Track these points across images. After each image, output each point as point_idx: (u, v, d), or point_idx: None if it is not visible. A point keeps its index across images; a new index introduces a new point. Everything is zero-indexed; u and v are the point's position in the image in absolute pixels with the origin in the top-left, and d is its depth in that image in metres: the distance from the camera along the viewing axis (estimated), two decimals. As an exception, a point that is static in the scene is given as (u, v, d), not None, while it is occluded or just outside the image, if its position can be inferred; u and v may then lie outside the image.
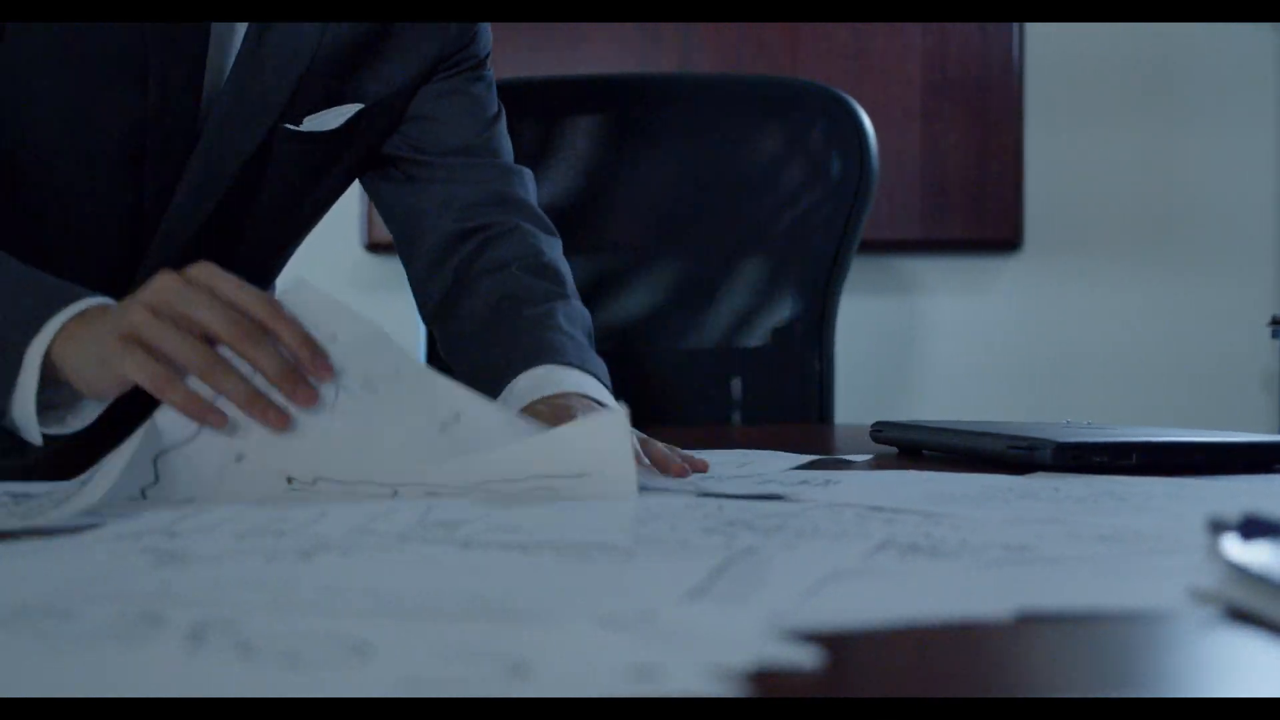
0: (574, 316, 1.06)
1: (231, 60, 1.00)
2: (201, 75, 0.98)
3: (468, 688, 0.29)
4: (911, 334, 2.55)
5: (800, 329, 1.58)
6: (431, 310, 1.15)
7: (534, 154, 1.62)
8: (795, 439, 1.09)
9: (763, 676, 0.30)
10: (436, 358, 1.65)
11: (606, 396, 0.96)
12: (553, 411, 0.88)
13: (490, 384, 0.97)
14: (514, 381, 0.96)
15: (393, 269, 2.57)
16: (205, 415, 0.66)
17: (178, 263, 1.04)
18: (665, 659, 0.31)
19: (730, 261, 1.63)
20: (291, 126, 1.03)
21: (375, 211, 2.12)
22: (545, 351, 0.99)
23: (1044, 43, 2.50)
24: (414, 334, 1.71)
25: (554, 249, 1.13)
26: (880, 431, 1.06)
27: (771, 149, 1.62)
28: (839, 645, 0.33)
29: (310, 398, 0.67)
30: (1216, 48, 2.48)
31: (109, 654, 0.32)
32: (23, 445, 0.77)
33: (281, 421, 0.67)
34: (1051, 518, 0.61)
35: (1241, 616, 0.36)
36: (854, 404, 2.20)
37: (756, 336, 1.62)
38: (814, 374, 1.58)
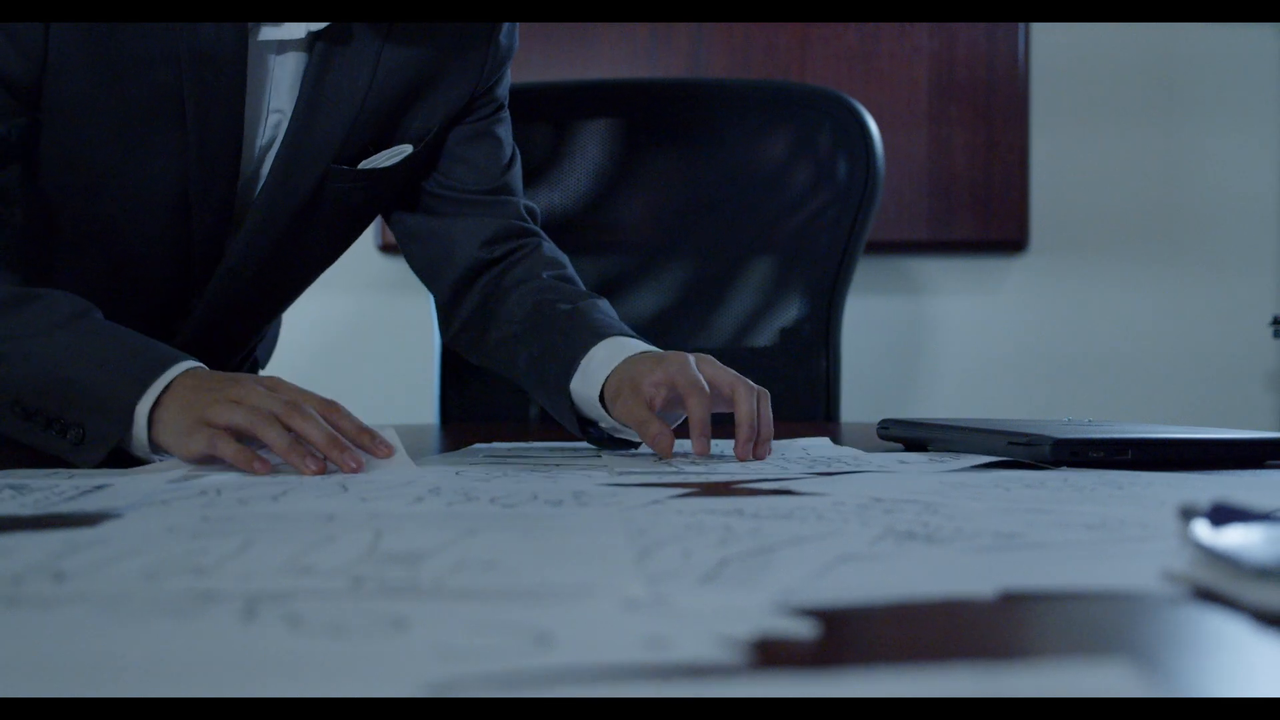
0: (609, 309, 1.15)
1: (268, 99, 1.06)
2: (240, 118, 1.04)
3: (496, 655, 0.32)
4: (919, 333, 2.58)
5: (807, 329, 1.61)
6: (456, 329, 1.22)
7: (546, 157, 1.65)
8: (802, 437, 1.12)
9: (764, 645, 0.33)
10: (451, 363, 1.68)
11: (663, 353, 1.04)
12: (649, 368, 0.98)
13: (557, 365, 1.06)
14: (590, 353, 1.04)
15: (406, 269, 2.59)
16: (250, 463, 0.78)
17: (234, 296, 1.15)
18: (676, 631, 0.34)
19: (738, 263, 1.66)
20: (345, 166, 1.11)
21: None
22: (606, 329, 1.08)
23: (1049, 46, 2.52)
24: (428, 335, 1.74)
25: (569, 268, 1.22)
26: (886, 429, 1.09)
27: (779, 152, 1.65)
28: (834, 619, 0.36)
29: (356, 462, 0.79)
30: (1220, 50, 2.50)
31: (169, 626, 0.35)
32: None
33: (319, 468, 0.78)
34: (1043, 508, 0.64)
35: (1207, 595, 0.39)
36: (863, 402, 2.22)
37: (764, 337, 1.64)
38: (821, 373, 1.61)
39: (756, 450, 0.92)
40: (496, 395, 1.67)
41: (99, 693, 0.29)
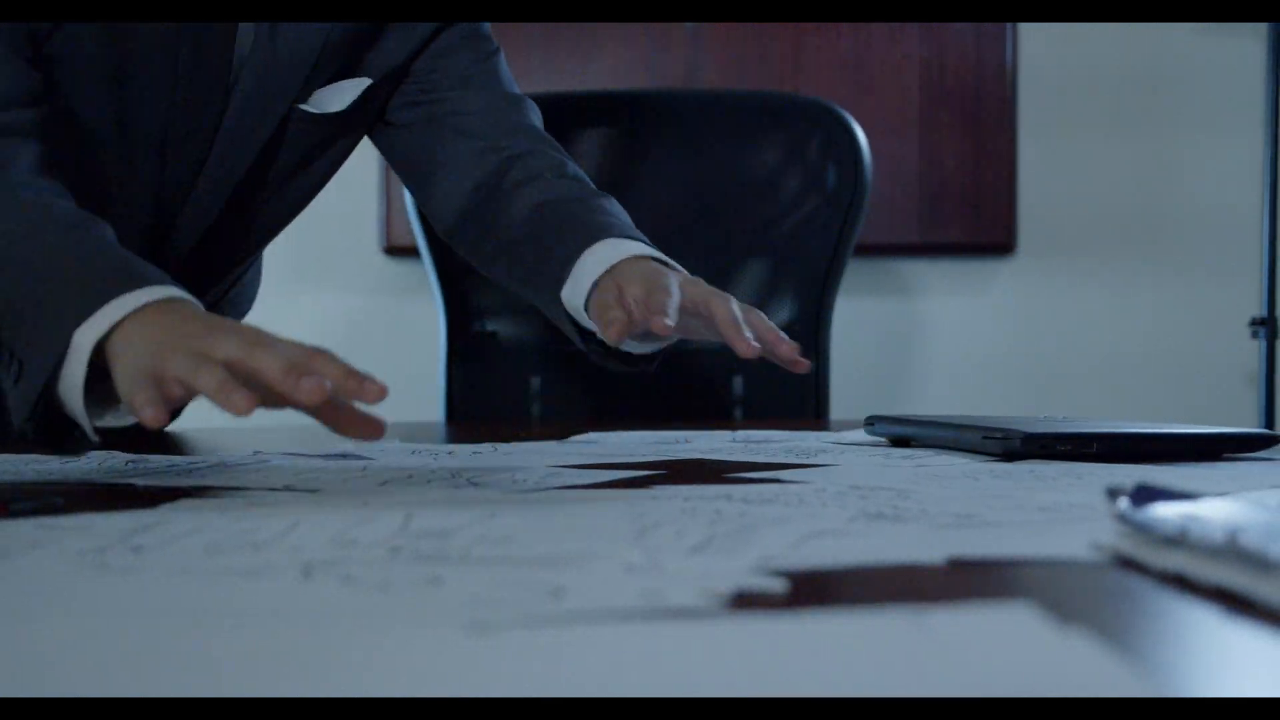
0: (617, 208, 1.09)
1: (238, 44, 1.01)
2: (229, 67, 1.00)
3: (517, 604, 0.38)
4: (910, 334, 2.64)
5: (798, 330, 1.68)
6: (451, 223, 1.15)
7: (547, 165, 1.71)
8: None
9: (741, 598, 0.40)
10: (456, 362, 1.74)
11: (668, 260, 1.00)
12: (634, 279, 0.93)
13: (552, 274, 1.01)
14: (579, 261, 0.98)
15: (411, 273, 2.66)
16: (156, 415, 0.64)
17: (199, 241, 1.09)
18: (668, 587, 0.41)
19: (732, 266, 1.72)
20: (306, 109, 1.05)
21: (394, 215, 2.23)
22: (601, 230, 1.01)
23: (1037, 52, 2.59)
24: (434, 337, 1.80)
25: (573, 165, 1.14)
26: (872, 425, 1.15)
27: (771, 160, 1.72)
28: (801, 579, 0.43)
29: (315, 391, 0.62)
30: (1205, 56, 2.57)
31: (238, 584, 0.42)
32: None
33: (247, 404, 0.62)
34: (1005, 494, 0.70)
35: (1125, 561, 0.46)
36: (856, 401, 2.28)
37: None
38: (811, 373, 1.67)
39: (761, 346, 0.85)
40: (500, 393, 1.73)
41: (183, 636, 0.36)
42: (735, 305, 0.87)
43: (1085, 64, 2.59)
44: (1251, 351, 2.42)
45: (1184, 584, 0.42)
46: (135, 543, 0.50)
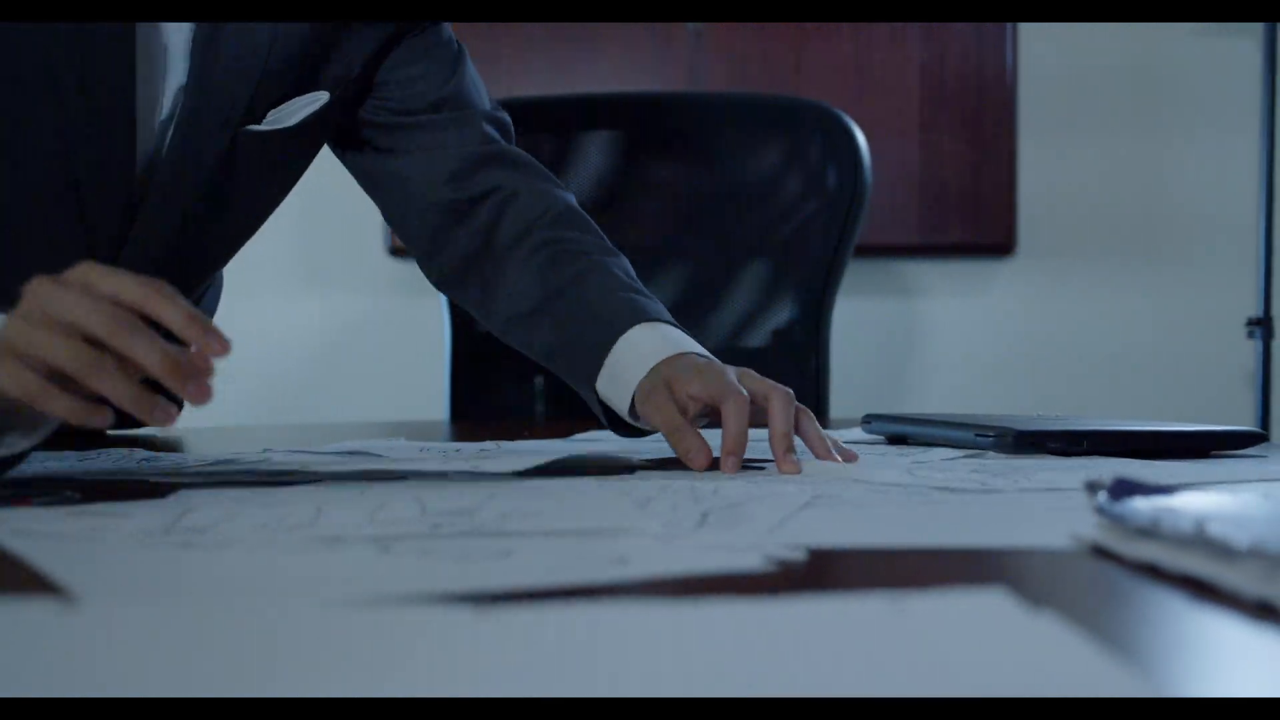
0: (624, 265, 1.05)
1: (166, 74, 0.96)
2: (131, 91, 0.94)
3: (578, 570, 0.44)
4: (911, 333, 2.67)
5: (799, 331, 1.70)
6: (446, 275, 1.12)
7: (551, 166, 1.73)
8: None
9: (716, 580, 0.45)
10: (460, 362, 1.76)
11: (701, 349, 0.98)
12: (690, 376, 0.90)
13: (580, 359, 0.98)
14: (612, 352, 0.96)
15: (416, 273, 2.68)
16: (88, 418, 0.63)
17: (148, 272, 1.00)
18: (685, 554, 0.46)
19: (733, 267, 1.75)
20: (255, 128, 0.99)
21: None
22: (628, 313, 0.98)
23: (1036, 55, 2.61)
24: (439, 337, 1.82)
25: (563, 194, 1.10)
26: (869, 423, 1.18)
27: (772, 162, 1.74)
28: (784, 561, 0.47)
29: (202, 393, 0.62)
30: (1202, 59, 2.59)
31: (322, 555, 0.48)
32: None
33: (168, 418, 0.63)
34: (992, 488, 0.72)
35: (1102, 553, 0.49)
36: (856, 400, 2.31)
37: (758, 338, 1.74)
38: (811, 373, 1.70)
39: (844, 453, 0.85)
40: (505, 392, 1.76)
41: (237, 593, 0.41)
42: (790, 411, 0.87)
43: (1085, 64, 2.62)
44: (1248, 351, 2.44)
45: (1155, 572, 0.44)
46: (190, 523, 0.54)
